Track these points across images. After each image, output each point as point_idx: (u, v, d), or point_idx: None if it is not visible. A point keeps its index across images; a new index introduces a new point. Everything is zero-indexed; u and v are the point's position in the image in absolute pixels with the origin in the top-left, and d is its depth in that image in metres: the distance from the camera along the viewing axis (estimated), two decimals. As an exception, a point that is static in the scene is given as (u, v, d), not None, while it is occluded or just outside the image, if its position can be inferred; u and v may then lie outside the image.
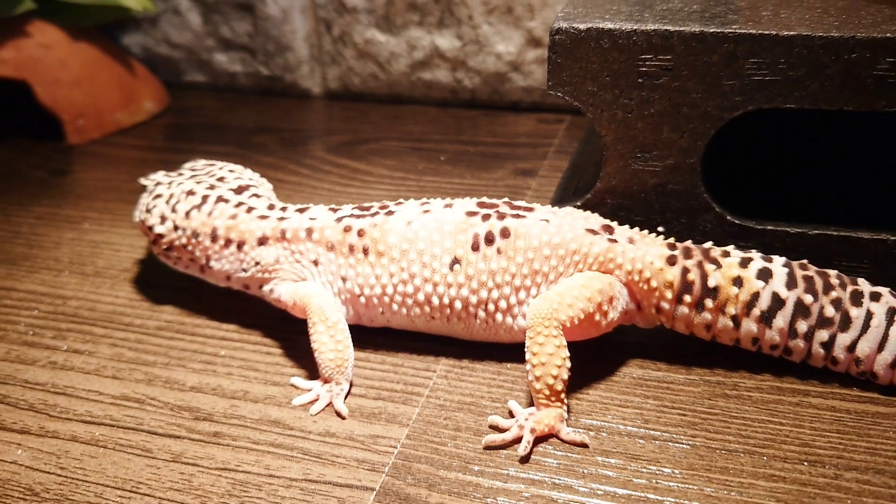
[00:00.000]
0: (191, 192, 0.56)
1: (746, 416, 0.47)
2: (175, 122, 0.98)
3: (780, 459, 0.43)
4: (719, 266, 0.48)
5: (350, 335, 0.51)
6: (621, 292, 0.49)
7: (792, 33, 0.51)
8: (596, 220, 0.51)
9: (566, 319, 0.46)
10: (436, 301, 0.50)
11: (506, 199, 0.53)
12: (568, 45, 0.56)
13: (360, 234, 0.51)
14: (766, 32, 0.52)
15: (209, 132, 0.94)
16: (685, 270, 0.48)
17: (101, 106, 0.93)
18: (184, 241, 0.55)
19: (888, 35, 0.50)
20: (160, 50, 1.07)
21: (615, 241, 0.49)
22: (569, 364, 0.46)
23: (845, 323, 0.46)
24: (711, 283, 0.48)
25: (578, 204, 0.61)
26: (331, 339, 0.50)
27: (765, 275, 0.47)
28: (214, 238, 0.54)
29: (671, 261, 0.48)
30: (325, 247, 0.52)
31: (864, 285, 0.47)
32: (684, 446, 0.44)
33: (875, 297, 0.47)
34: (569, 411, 0.47)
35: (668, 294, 0.48)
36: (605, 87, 0.56)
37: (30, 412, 0.49)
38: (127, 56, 0.99)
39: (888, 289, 0.48)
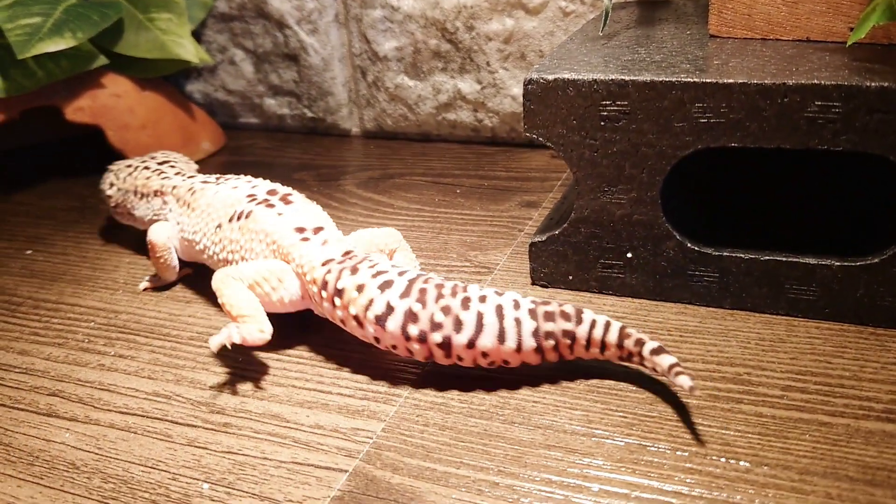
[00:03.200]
0: (129, 165, 0.80)
1: (678, 419, 0.52)
2: (228, 160, 1.07)
3: (700, 456, 0.49)
4: (355, 273, 0.56)
5: (174, 254, 0.72)
6: (291, 279, 0.60)
7: (730, 81, 0.57)
8: (318, 221, 0.63)
9: (235, 280, 0.60)
10: (205, 250, 0.68)
11: (288, 191, 0.67)
12: (539, 93, 0.63)
13: (191, 192, 0.70)
14: (709, 80, 0.57)
15: (257, 169, 1.02)
16: (328, 272, 0.57)
17: (163, 147, 1.02)
18: (121, 198, 0.77)
19: (815, 81, 0.55)
20: (218, 96, 1.18)
21: (307, 240, 0.61)
22: (244, 295, 0.59)
23: (458, 325, 0.53)
24: (340, 285, 0.57)
25: (556, 233, 0.68)
26: (157, 255, 0.72)
27: (385, 286, 0.55)
28: (136, 192, 0.76)
29: (325, 263, 0.58)
30: (175, 201, 0.72)
31: (473, 291, 0.55)
32: (618, 443, 0.51)
33: (482, 299, 0.54)
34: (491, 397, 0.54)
35: (314, 289, 0.59)
36: (572, 130, 0.63)
37: (79, 404, 0.58)
38: (188, 102, 1.09)
39: (494, 289, 0.55)
